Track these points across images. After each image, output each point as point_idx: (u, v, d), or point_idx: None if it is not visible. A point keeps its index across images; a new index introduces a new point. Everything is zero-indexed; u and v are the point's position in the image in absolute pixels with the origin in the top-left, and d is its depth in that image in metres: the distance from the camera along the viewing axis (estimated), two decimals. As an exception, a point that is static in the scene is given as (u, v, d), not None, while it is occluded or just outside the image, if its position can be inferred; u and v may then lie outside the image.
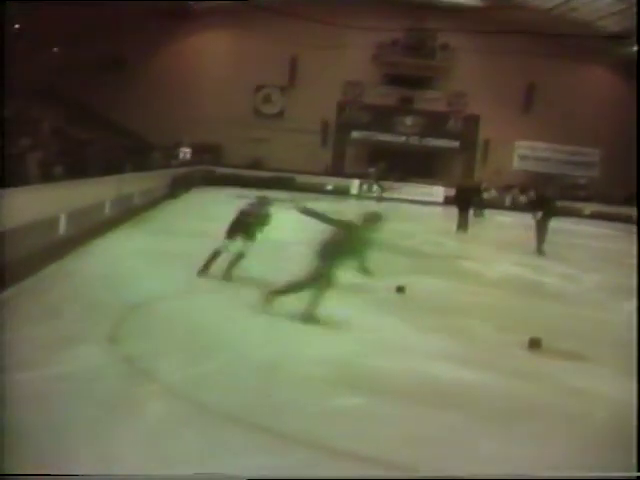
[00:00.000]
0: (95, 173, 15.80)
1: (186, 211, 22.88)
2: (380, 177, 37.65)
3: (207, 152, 38.20)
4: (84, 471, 4.43)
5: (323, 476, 4.66)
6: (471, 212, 23.07)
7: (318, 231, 8.83)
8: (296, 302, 8.74)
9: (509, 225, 27.75)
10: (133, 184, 19.28)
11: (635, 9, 26.35)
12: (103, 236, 14.26)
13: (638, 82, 11.88)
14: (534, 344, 8.20)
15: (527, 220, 18.97)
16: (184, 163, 35.49)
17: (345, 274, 8.81)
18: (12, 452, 4.54)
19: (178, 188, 27.37)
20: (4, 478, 3.87)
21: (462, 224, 21.66)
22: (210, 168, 37.03)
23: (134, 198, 18.90)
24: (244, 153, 39.50)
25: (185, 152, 37.86)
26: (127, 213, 17.65)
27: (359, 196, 38.21)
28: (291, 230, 17.81)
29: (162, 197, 24.22)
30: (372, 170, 38.85)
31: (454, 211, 22.21)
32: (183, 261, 12.34)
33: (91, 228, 13.79)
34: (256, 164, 39.54)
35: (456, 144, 42.22)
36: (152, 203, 21.84)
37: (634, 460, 4.45)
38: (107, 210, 15.50)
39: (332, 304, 10.10)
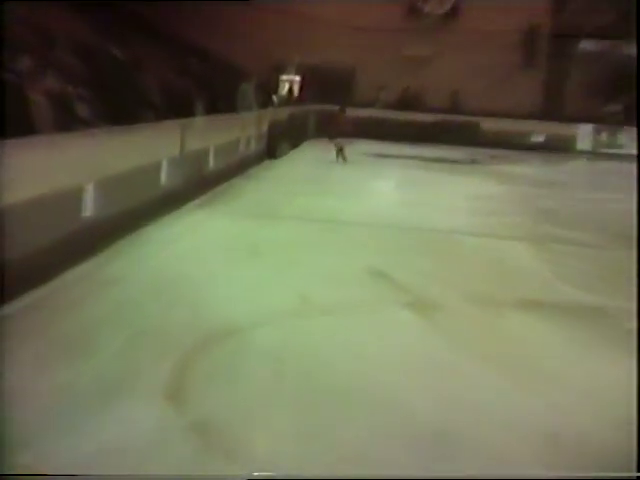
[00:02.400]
0: (143, 116, 15.74)
1: (293, 180, 22.77)
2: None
3: (327, 81, 38.04)
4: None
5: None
6: None
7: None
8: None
9: None
10: (206, 135, 18.88)
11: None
12: (158, 220, 14.38)
13: (638, 79, 12.31)
14: None
15: None
16: (289, 100, 35.51)
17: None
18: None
19: (279, 142, 27.35)
20: (4, 478, 4.95)
21: None
22: (332, 108, 36.76)
23: (208, 158, 18.77)
24: (389, 82, 38.98)
25: (291, 81, 37.80)
26: (197, 183, 17.62)
27: (593, 153, 37.01)
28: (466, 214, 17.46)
29: (254, 156, 24.20)
30: (615, 107, 37.71)
31: None
32: (289, 262, 12.15)
33: (137, 207, 13.64)
34: (409, 101, 39.10)
35: None
36: (238, 166, 21.79)
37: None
38: (163, 177, 15.36)
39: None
